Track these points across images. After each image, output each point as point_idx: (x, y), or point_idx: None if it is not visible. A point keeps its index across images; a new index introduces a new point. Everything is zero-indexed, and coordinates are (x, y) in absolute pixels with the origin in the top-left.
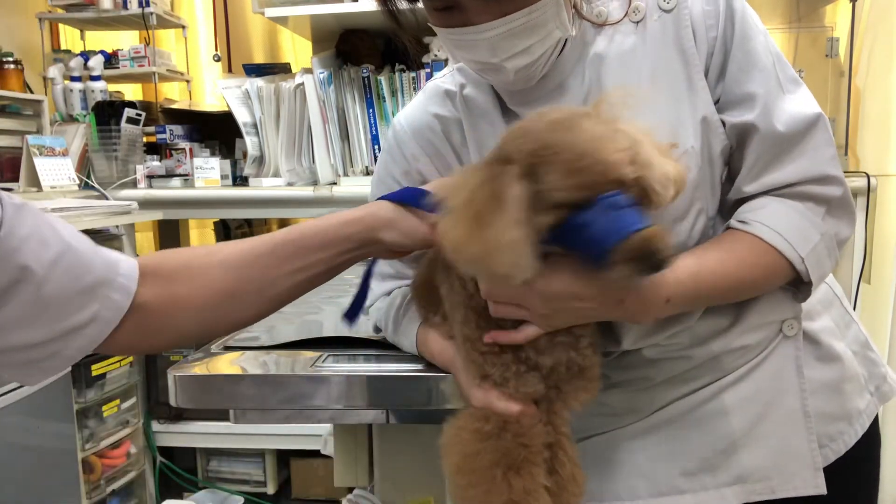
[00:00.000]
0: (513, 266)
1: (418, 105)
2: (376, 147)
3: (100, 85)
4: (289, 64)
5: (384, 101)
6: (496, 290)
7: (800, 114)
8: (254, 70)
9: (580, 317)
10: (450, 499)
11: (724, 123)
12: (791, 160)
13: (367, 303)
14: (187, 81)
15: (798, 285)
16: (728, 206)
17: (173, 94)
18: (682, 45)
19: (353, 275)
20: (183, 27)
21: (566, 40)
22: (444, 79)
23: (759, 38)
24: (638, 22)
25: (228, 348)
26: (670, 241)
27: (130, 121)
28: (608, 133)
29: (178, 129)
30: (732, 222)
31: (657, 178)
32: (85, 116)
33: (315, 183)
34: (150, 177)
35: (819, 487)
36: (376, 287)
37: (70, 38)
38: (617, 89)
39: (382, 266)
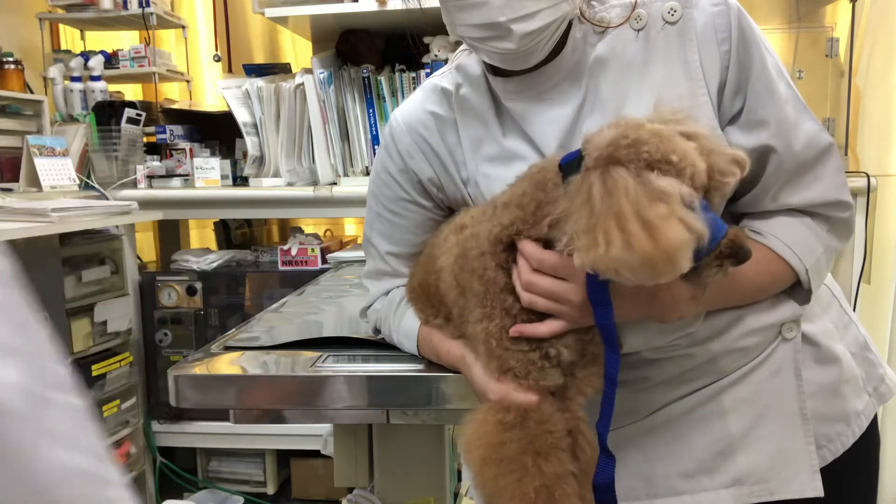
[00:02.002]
0: (686, 262)
1: (415, 101)
2: (376, 147)
3: (100, 85)
4: (289, 64)
5: (384, 101)
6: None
7: (816, 140)
8: (254, 70)
9: (615, 315)
10: (469, 495)
11: (731, 141)
12: (807, 185)
13: (365, 303)
14: (187, 81)
15: (796, 289)
16: (736, 216)
17: (173, 94)
18: (685, 58)
19: (353, 275)
20: (183, 27)
21: (567, 36)
22: (443, 77)
23: (770, 58)
24: (640, 30)
25: (228, 348)
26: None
27: (130, 121)
28: (691, 143)
29: (178, 129)
30: (746, 232)
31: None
32: (85, 116)
33: (315, 183)
34: (150, 177)
35: (817, 490)
36: (373, 287)
37: (70, 38)
38: (664, 103)
39: (378, 263)
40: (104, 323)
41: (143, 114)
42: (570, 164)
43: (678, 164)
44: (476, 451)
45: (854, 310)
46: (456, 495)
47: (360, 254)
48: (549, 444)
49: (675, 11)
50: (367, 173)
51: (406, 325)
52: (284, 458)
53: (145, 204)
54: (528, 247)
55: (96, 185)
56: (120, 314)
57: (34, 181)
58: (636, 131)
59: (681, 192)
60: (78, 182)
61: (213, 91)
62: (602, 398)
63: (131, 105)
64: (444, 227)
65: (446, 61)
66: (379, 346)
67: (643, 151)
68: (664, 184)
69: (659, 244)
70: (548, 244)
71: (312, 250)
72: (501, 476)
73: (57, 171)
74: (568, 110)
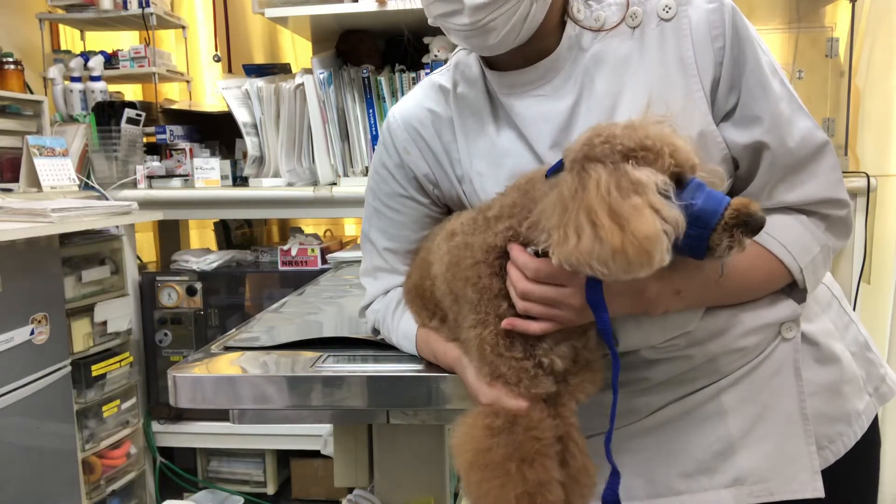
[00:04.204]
0: (662, 253)
1: (414, 98)
2: (376, 147)
3: (100, 85)
4: (289, 64)
5: (384, 101)
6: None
7: (811, 137)
8: (254, 70)
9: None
10: (461, 497)
11: (725, 137)
12: (802, 182)
13: (364, 302)
14: (187, 82)
15: (793, 287)
16: None
17: (173, 95)
18: (680, 55)
19: (353, 275)
20: (183, 27)
21: (563, 33)
22: (442, 75)
23: (764, 56)
24: (635, 28)
25: (228, 349)
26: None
27: (130, 121)
28: (669, 130)
29: (178, 130)
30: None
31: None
32: (85, 117)
33: (315, 183)
34: (150, 177)
35: (817, 490)
36: (371, 286)
37: (70, 38)
38: (656, 102)
39: (375, 260)
40: (104, 323)
41: (143, 114)
42: (555, 173)
43: (654, 147)
44: (464, 455)
45: (854, 310)
46: (456, 495)
47: (359, 254)
48: (535, 451)
49: (669, 8)
50: (367, 173)
51: (405, 327)
52: (284, 458)
53: (145, 204)
54: (521, 256)
55: (96, 186)
56: (120, 314)
57: (34, 181)
58: (610, 129)
59: (656, 182)
60: (78, 182)
61: (213, 91)
62: (610, 410)
63: (131, 105)
64: (437, 228)
65: (445, 61)
66: (379, 346)
67: (617, 144)
68: (639, 175)
69: (628, 236)
70: (542, 253)
71: (312, 250)
72: (486, 481)
73: (57, 172)
74: (562, 106)
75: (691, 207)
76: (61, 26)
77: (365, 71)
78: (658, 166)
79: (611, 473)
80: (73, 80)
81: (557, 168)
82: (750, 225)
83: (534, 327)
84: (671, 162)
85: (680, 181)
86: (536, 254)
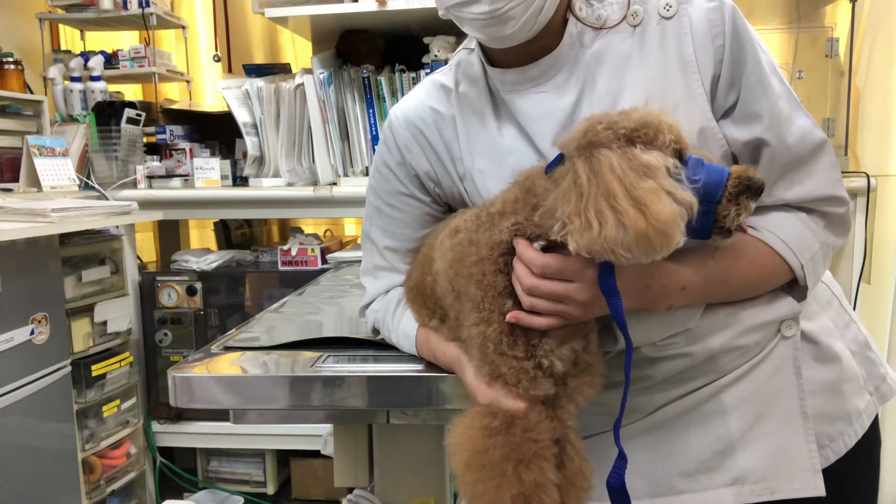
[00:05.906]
0: (680, 235)
1: (416, 97)
2: (376, 147)
3: (100, 85)
4: (289, 64)
5: (384, 101)
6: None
7: (809, 135)
8: (254, 70)
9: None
10: (460, 497)
11: (725, 135)
12: (801, 180)
13: (364, 301)
14: (187, 82)
15: (792, 286)
16: None
17: (173, 95)
18: (681, 53)
19: (353, 275)
20: (183, 27)
21: (564, 30)
22: (443, 74)
23: (763, 55)
24: (636, 26)
25: (228, 349)
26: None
27: (130, 121)
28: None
29: (178, 130)
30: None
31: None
32: (85, 117)
33: (315, 183)
34: (150, 177)
35: (818, 489)
36: (371, 285)
37: (70, 38)
38: (654, 99)
39: (376, 258)
40: (104, 323)
41: (143, 114)
42: (554, 168)
43: (655, 126)
44: (460, 455)
45: (854, 309)
46: (456, 495)
47: (359, 254)
48: (532, 453)
49: (670, 7)
50: (367, 173)
51: (405, 326)
52: (284, 458)
53: (145, 204)
54: (527, 252)
55: (96, 186)
56: (120, 314)
57: (34, 181)
58: (606, 116)
59: (666, 165)
60: (78, 182)
61: (213, 91)
62: (622, 396)
63: (131, 105)
64: (440, 226)
65: (446, 61)
66: (379, 346)
67: (620, 128)
68: (649, 158)
69: (650, 220)
70: (548, 248)
71: (312, 250)
72: (481, 482)
73: (57, 171)
74: (565, 103)
75: (696, 185)
76: (61, 26)
77: (365, 71)
78: (660, 142)
79: (617, 457)
80: (73, 80)
81: (557, 163)
82: (752, 188)
83: (538, 322)
84: (671, 137)
85: (680, 158)
86: (544, 249)
